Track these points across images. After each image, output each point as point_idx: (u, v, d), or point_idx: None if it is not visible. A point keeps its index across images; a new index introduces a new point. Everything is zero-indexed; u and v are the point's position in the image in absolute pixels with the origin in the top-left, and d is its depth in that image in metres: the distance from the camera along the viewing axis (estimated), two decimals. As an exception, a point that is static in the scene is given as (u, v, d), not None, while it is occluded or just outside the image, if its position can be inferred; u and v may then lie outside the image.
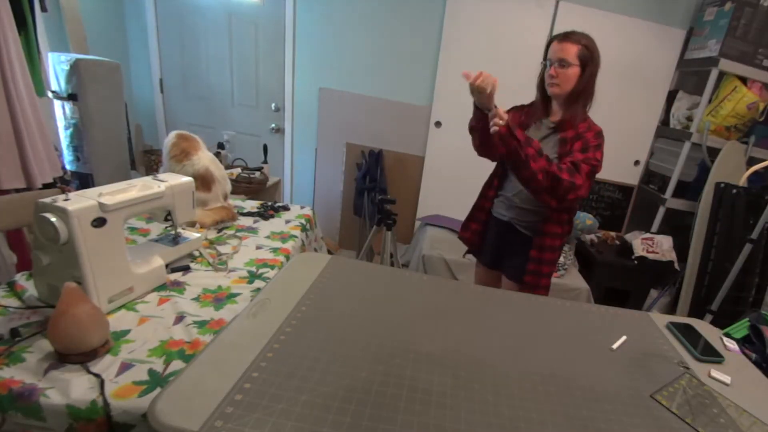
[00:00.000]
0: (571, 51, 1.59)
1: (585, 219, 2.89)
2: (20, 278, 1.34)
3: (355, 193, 3.46)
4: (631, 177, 3.46)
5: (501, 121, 1.47)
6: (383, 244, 2.39)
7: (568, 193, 1.53)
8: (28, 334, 1.08)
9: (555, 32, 3.02)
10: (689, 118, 3.12)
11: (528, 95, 3.15)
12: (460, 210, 2.30)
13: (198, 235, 1.64)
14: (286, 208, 2.23)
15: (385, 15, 3.21)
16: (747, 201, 2.67)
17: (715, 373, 1.03)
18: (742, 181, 2.71)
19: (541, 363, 0.98)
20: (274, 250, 1.76)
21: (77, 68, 2.35)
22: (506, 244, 1.87)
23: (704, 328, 1.24)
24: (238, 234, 1.87)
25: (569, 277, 2.90)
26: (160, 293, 1.35)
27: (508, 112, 1.71)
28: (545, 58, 1.69)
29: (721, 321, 2.30)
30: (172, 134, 1.98)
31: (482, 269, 2.03)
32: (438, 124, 3.36)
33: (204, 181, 1.93)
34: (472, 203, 1.98)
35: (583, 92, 1.65)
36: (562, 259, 2.88)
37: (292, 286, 1.16)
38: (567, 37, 1.60)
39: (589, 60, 1.61)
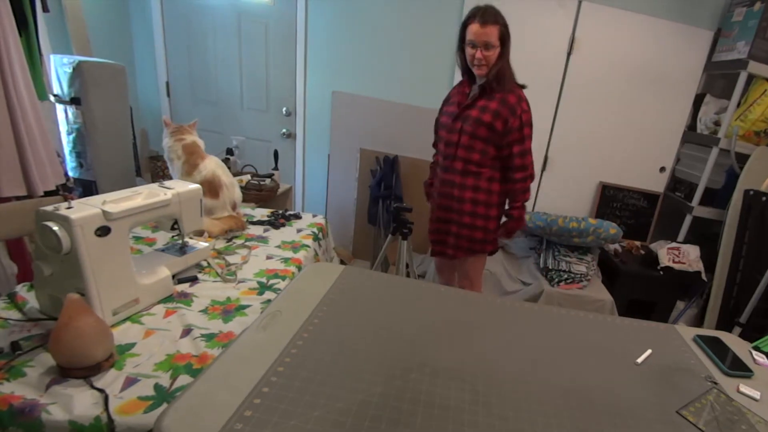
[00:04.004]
0: (494, 33, 1.76)
1: (609, 228, 2.82)
2: (21, 289, 1.33)
3: (369, 201, 3.41)
4: (657, 184, 3.38)
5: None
6: (399, 253, 2.36)
7: (533, 175, 1.98)
8: (29, 348, 1.07)
9: (577, 32, 3.02)
10: (717, 123, 3.05)
11: (549, 95, 3.12)
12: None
13: (206, 244, 1.63)
14: (297, 217, 2.22)
15: (400, 15, 3.16)
16: (778, 209, 2.60)
17: (743, 388, 1.01)
18: (765, 186, 2.68)
19: (563, 377, 0.97)
20: (285, 260, 1.74)
21: (80, 71, 2.34)
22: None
23: (732, 341, 1.22)
24: (247, 243, 1.86)
25: (592, 288, 2.85)
26: (167, 305, 1.34)
27: (455, 89, 2.07)
28: (462, 38, 1.87)
29: (750, 334, 2.35)
30: (178, 148, 1.94)
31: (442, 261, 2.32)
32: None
33: (211, 186, 1.91)
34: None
35: (499, 65, 1.83)
36: (584, 269, 2.86)
37: (304, 298, 1.14)
38: (486, 19, 1.75)
39: (507, 37, 1.82)
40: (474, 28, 1.76)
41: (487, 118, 1.85)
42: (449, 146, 1.96)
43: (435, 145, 2.24)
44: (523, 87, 1.91)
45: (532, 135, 1.90)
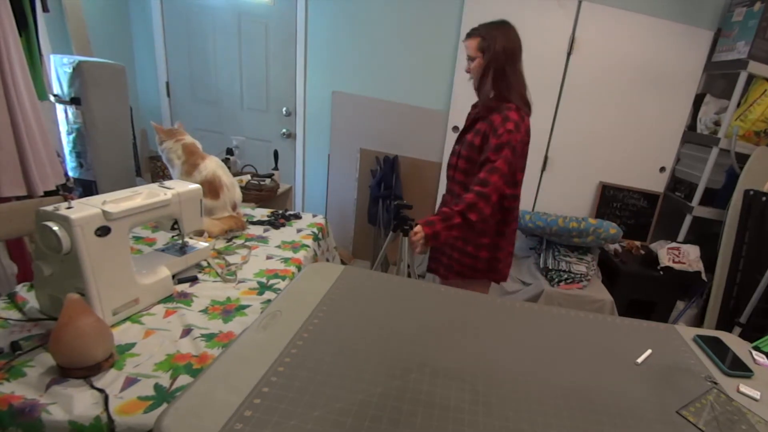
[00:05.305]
0: (472, 46, 1.78)
1: (609, 228, 2.81)
2: (21, 289, 1.33)
3: (369, 201, 3.39)
4: (657, 184, 3.36)
5: (420, 237, 1.70)
6: (399, 252, 2.32)
7: (493, 197, 1.70)
8: (29, 348, 1.07)
9: (577, 32, 3.03)
10: (717, 123, 3.04)
11: (549, 95, 3.13)
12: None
13: (206, 244, 1.62)
14: (297, 217, 2.20)
15: (400, 16, 3.15)
16: (778, 209, 2.59)
17: (744, 388, 1.00)
18: (766, 187, 2.65)
19: (562, 378, 0.96)
20: (285, 260, 1.73)
21: (80, 71, 2.33)
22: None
23: (732, 341, 1.21)
24: (247, 243, 1.85)
25: (592, 288, 2.83)
26: (167, 305, 1.34)
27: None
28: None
29: (750, 334, 2.33)
30: (177, 149, 1.93)
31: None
32: (456, 129, 3.26)
33: (211, 186, 1.89)
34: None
35: (484, 78, 1.79)
36: (584, 269, 2.84)
37: (304, 298, 1.13)
38: (469, 34, 1.79)
39: (489, 48, 1.76)
40: (463, 45, 1.84)
41: (478, 142, 1.79)
42: (449, 168, 1.94)
43: None
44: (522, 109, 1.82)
45: (510, 160, 1.70)
